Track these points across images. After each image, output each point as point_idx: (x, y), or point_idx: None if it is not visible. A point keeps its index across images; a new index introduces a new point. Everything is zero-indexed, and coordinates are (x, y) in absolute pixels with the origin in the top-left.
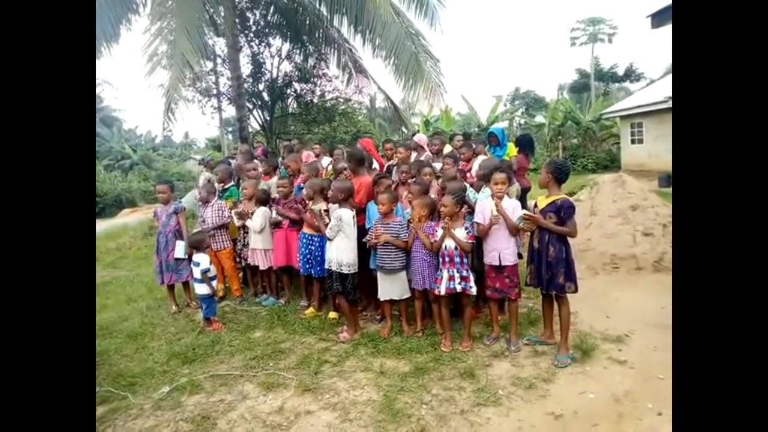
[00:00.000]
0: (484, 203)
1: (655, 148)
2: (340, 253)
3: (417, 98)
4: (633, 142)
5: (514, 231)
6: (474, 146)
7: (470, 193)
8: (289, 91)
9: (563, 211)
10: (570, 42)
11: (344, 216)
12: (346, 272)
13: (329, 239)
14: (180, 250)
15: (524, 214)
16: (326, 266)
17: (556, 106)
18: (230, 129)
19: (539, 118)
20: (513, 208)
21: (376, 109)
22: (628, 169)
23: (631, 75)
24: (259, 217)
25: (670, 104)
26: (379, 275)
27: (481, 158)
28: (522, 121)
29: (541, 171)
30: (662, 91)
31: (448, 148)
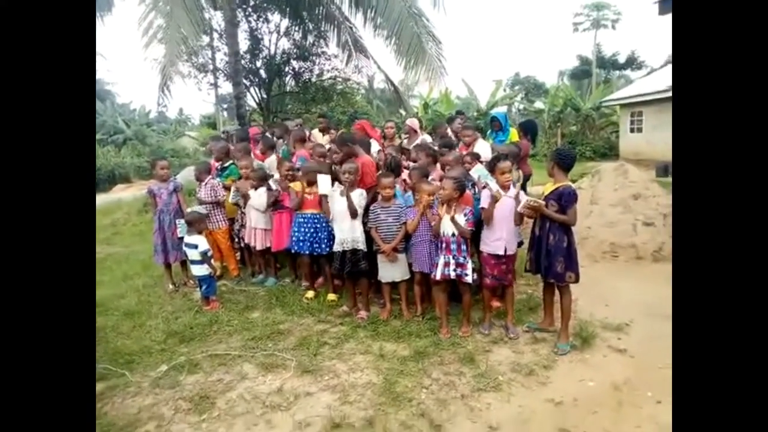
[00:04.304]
0: (488, 191)
1: (654, 138)
2: (356, 232)
3: (418, 80)
4: (632, 130)
5: (519, 220)
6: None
7: (480, 174)
8: (287, 68)
9: (564, 198)
10: (573, 27)
11: (363, 195)
12: (361, 248)
13: (353, 218)
14: (182, 229)
15: (528, 201)
16: (338, 248)
17: (557, 93)
18: (225, 106)
19: (538, 104)
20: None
21: (374, 90)
22: (626, 158)
23: (632, 63)
24: (262, 196)
25: (670, 93)
26: (380, 257)
27: (481, 142)
28: (521, 107)
29: (547, 159)
30: (663, 80)
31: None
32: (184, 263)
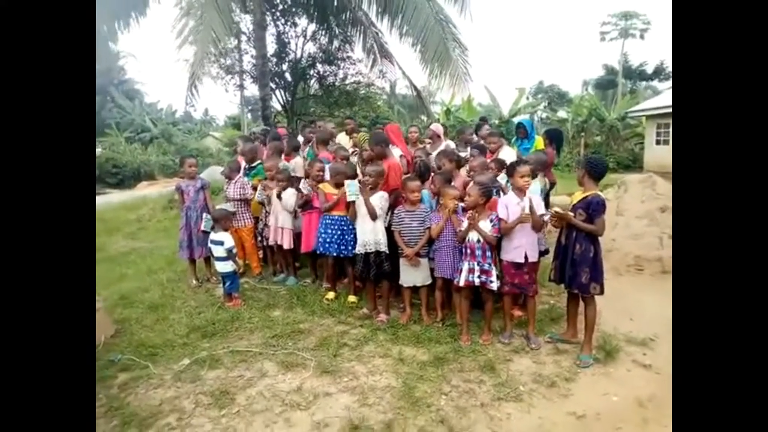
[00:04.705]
0: (507, 198)
1: None
2: (378, 234)
3: (442, 86)
4: (658, 142)
5: (539, 227)
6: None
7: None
8: (312, 72)
9: (592, 208)
10: (600, 36)
11: (385, 197)
12: (383, 250)
13: (373, 219)
14: (207, 224)
15: (554, 211)
16: (360, 250)
17: (581, 102)
18: (250, 108)
19: (562, 113)
20: (537, 203)
21: (396, 95)
22: (650, 170)
23: (660, 73)
24: (292, 197)
25: None
26: (402, 261)
27: (506, 149)
28: (544, 116)
29: (578, 167)
30: None
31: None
32: (208, 259)
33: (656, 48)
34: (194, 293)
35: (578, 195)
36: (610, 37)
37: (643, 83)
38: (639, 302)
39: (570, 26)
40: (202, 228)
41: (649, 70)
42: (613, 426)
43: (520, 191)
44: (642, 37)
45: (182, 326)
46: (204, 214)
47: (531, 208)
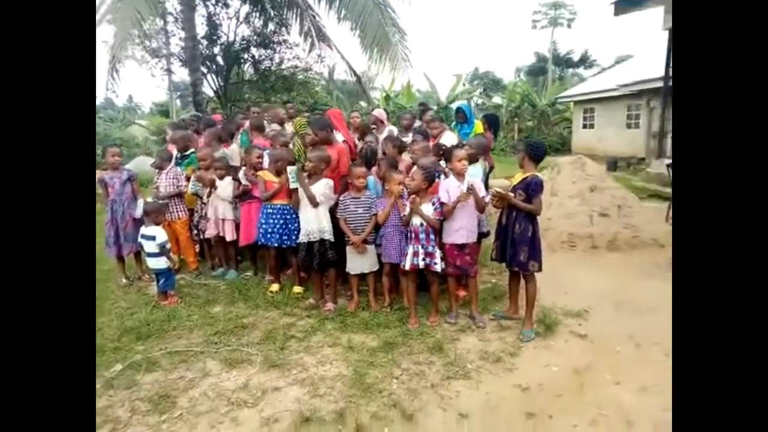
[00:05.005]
0: (448, 182)
1: (605, 133)
2: (321, 222)
3: (381, 71)
4: (585, 126)
5: (482, 208)
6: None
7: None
8: (246, 56)
9: (531, 188)
10: (531, 24)
11: (330, 185)
12: (327, 238)
13: (313, 206)
14: (140, 210)
15: (495, 191)
16: (303, 239)
17: (514, 89)
18: (179, 94)
19: (497, 99)
20: (478, 186)
21: (335, 81)
22: (578, 153)
23: (585, 61)
24: (229, 186)
25: (620, 92)
26: (349, 249)
27: (447, 133)
28: (480, 101)
29: (518, 150)
30: (613, 78)
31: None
32: (138, 255)
33: (581, 37)
34: (125, 293)
35: (518, 176)
36: (541, 25)
37: (570, 70)
38: (573, 277)
39: (504, 14)
40: (137, 215)
41: (576, 57)
42: (554, 394)
43: (459, 175)
44: (569, 26)
45: (113, 329)
46: (139, 200)
47: (471, 188)
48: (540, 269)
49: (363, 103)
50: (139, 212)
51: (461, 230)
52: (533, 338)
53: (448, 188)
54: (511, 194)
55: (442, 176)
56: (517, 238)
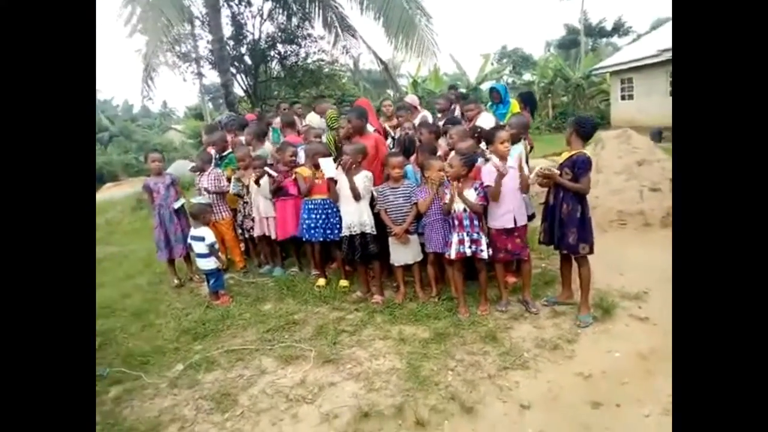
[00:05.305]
0: (490, 167)
1: (645, 104)
2: (362, 215)
3: (409, 58)
4: (623, 98)
5: (527, 187)
6: (473, 105)
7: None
8: (272, 53)
9: (577, 166)
10: None
11: (369, 177)
12: (369, 232)
13: (356, 200)
14: (178, 203)
15: (540, 170)
16: (345, 233)
17: (546, 64)
18: (210, 96)
19: (527, 76)
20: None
21: (360, 71)
22: (618, 126)
23: (619, 29)
24: (267, 183)
25: (660, 58)
26: (392, 240)
27: (484, 115)
28: (510, 80)
29: (567, 126)
30: (652, 45)
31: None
32: (188, 257)
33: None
34: (178, 294)
35: (565, 154)
36: None
37: (603, 40)
38: (626, 257)
39: None
40: (175, 207)
41: (608, 26)
42: (619, 382)
43: (502, 157)
44: None
45: (171, 330)
46: (180, 198)
47: (520, 165)
48: (592, 251)
49: (390, 92)
50: (177, 204)
51: (507, 214)
52: (591, 323)
53: (491, 173)
54: (557, 172)
55: (481, 159)
56: (565, 219)
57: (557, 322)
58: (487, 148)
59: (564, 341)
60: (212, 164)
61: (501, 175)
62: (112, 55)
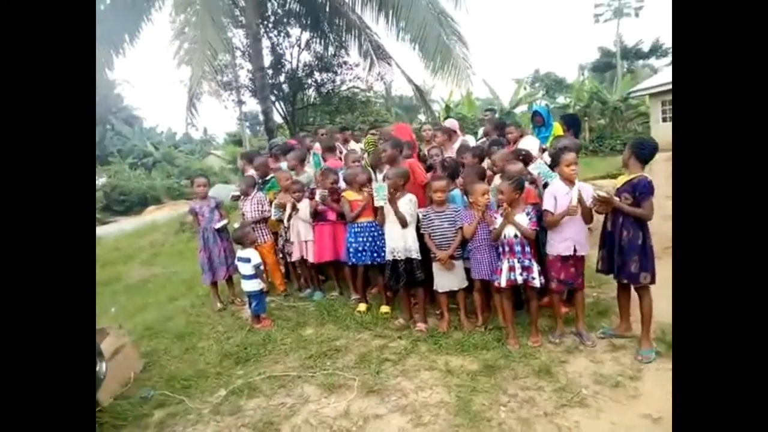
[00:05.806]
0: (555, 188)
1: None
2: (407, 241)
3: (446, 82)
4: (664, 120)
5: (589, 217)
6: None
7: (541, 170)
8: (309, 81)
9: (638, 190)
10: (594, 19)
11: (414, 201)
12: (415, 257)
13: (404, 227)
14: (219, 224)
15: (597, 195)
16: (389, 257)
17: (581, 87)
18: (248, 123)
19: (561, 99)
20: (586, 193)
21: (392, 97)
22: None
23: (657, 51)
24: (307, 207)
25: None
26: (436, 265)
27: (528, 138)
28: (543, 104)
29: (625, 149)
30: None
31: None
32: (230, 280)
33: (650, 25)
34: (220, 317)
35: (622, 178)
36: (605, 18)
37: (640, 62)
38: None
39: (560, 12)
40: (216, 226)
41: (646, 48)
42: None
43: (568, 180)
44: (637, 14)
45: (213, 354)
46: (223, 219)
47: (580, 198)
48: (653, 281)
49: (421, 117)
50: (219, 225)
51: (568, 241)
52: (654, 359)
53: (556, 195)
54: (616, 198)
55: (534, 183)
56: (625, 246)
57: (616, 357)
58: (539, 171)
59: (626, 378)
60: (255, 189)
61: (565, 213)
62: (155, 84)
